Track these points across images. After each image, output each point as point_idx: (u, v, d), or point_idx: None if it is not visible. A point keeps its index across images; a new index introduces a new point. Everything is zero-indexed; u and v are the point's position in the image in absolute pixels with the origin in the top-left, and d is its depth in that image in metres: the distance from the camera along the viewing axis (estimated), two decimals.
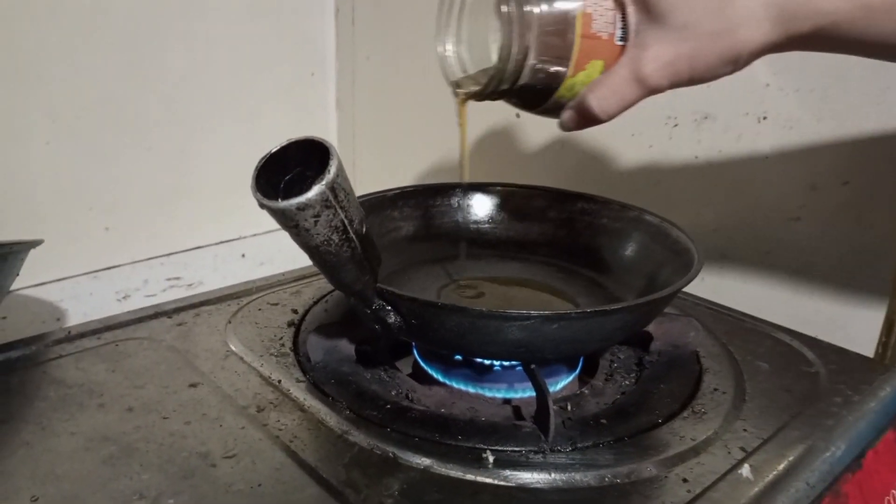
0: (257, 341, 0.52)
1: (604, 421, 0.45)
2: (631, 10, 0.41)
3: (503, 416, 0.46)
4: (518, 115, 0.81)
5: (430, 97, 0.90)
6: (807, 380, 0.51)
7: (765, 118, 0.62)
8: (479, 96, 0.45)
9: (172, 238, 0.90)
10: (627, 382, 0.50)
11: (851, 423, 0.47)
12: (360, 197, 0.59)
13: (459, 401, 0.47)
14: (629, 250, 0.57)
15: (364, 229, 0.38)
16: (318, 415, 0.44)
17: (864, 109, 0.57)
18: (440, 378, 0.50)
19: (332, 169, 0.34)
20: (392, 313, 0.43)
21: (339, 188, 0.35)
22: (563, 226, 0.63)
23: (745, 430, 0.45)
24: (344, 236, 0.37)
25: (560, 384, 0.50)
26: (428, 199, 0.63)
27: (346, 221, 0.36)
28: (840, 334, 0.59)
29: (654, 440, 0.43)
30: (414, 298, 0.42)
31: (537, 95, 0.44)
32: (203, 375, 0.48)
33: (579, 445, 0.42)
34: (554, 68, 0.42)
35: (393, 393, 0.47)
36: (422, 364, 0.51)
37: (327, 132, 1.02)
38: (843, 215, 0.59)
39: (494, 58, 0.42)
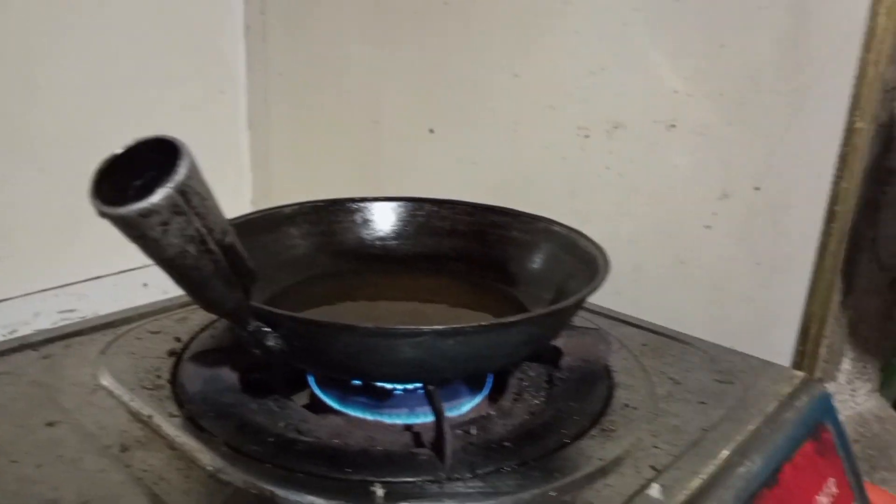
0: (131, 373, 0.47)
1: (508, 444, 0.41)
2: None
3: (401, 443, 0.42)
4: (432, 131, 0.79)
5: (347, 113, 0.87)
6: (722, 392, 0.49)
7: (673, 126, 0.61)
8: None
9: (68, 267, 0.83)
10: (537, 402, 0.47)
11: (767, 436, 0.45)
12: (253, 213, 0.55)
13: (357, 430, 0.43)
14: (538, 262, 0.55)
15: (229, 240, 0.34)
16: (191, 453, 0.39)
17: (775, 112, 0.55)
18: (336, 406, 0.46)
19: (182, 170, 0.30)
20: (271, 335, 0.39)
21: (191, 192, 0.31)
22: (474, 239, 0.60)
23: (656, 446, 0.42)
24: (202, 248, 0.33)
25: (466, 406, 0.47)
26: (329, 216, 0.59)
27: (203, 230, 0.32)
28: (757, 343, 0.58)
29: (561, 462, 0.40)
30: (293, 317, 0.38)
31: None
32: (65, 412, 0.43)
33: (480, 472, 0.39)
34: None
35: (281, 425, 0.43)
36: (316, 391, 0.47)
37: (238, 152, 0.98)
38: (755, 222, 0.58)
39: None
